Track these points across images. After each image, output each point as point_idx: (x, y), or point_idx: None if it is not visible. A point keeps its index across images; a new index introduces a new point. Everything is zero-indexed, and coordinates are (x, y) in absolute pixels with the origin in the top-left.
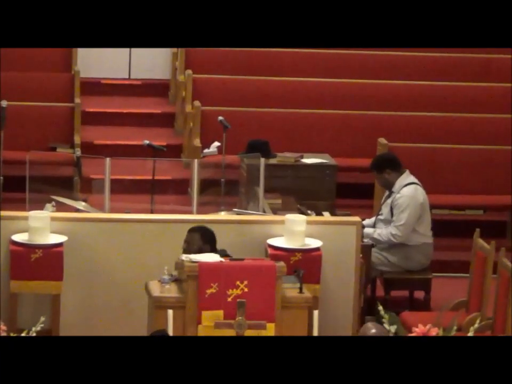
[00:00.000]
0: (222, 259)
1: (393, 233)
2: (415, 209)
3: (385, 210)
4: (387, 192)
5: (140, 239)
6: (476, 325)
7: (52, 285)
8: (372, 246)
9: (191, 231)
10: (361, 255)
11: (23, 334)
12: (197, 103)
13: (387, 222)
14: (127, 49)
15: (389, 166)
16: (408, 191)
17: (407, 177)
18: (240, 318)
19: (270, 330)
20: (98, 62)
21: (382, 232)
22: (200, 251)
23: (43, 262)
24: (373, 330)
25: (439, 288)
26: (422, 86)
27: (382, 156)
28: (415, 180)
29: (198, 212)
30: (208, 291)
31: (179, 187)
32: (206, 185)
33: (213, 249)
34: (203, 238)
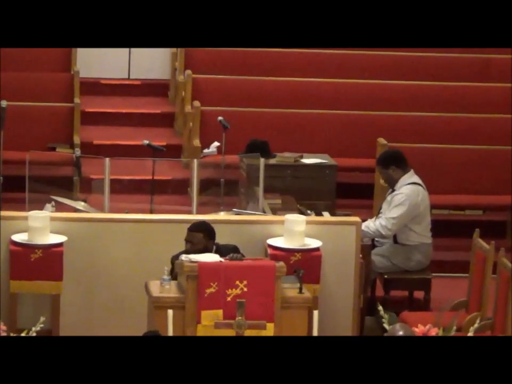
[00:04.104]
0: (222, 259)
1: (383, 224)
2: (409, 208)
3: (385, 207)
4: (389, 191)
5: (139, 239)
6: (476, 325)
7: (52, 285)
8: (372, 246)
9: (193, 230)
10: (361, 255)
11: (23, 334)
12: (196, 103)
13: None
14: (127, 49)
15: (395, 163)
16: (407, 190)
17: (411, 176)
18: (239, 318)
19: (270, 330)
20: (98, 62)
21: (369, 224)
22: (206, 249)
23: (43, 262)
24: (401, 332)
25: (439, 288)
26: (422, 86)
27: (389, 152)
28: (419, 181)
29: (198, 212)
30: (208, 290)
31: (179, 187)
32: (206, 185)
33: (214, 243)
34: (206, 237)
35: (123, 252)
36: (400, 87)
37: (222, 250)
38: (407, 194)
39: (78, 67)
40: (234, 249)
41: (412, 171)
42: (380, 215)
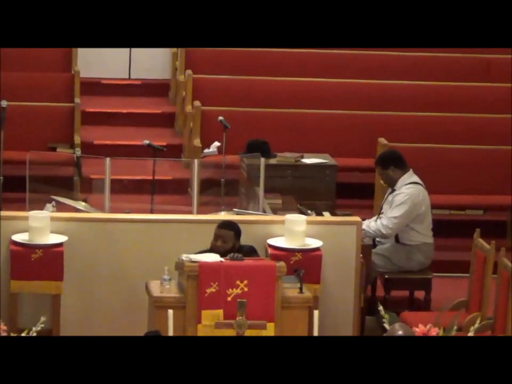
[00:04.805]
0: (222, 259)
1: (384, 223)
2: (411, 208)
3: (386, 207)
4: (389, 191)
5: (140, 239)
6: (476, 325)
7: (52, 285)
8: (373, 246)
9: (224, 227)
10: (361, 255)
11: (23, 334)
12: (197, 103)
13: None
14: (127, 49)
15: (394, 163)
16: (408, 190)
17: (411, 176)
18: (240, 317)
19: (270, 330)
20: (98, 62)
21: (370, 224)
22: (233, 248)
23: (43, 262)
24: (400, 332)
25: (439, 288)
26: (422, 86)
27: (388, 152)
28: (418, 180)
29: (198, 212)
30: (208, 290)
31: (179, 187)
32: (206, 185)
33: (239, 243)
34: (236, 236)
35: (123, 252)
36: (401, 87)
37: (241, 251)
38: (408, 193)
39: (79, 67)
40: (251, 250)
41: (411, 171)
42: (381, 215)
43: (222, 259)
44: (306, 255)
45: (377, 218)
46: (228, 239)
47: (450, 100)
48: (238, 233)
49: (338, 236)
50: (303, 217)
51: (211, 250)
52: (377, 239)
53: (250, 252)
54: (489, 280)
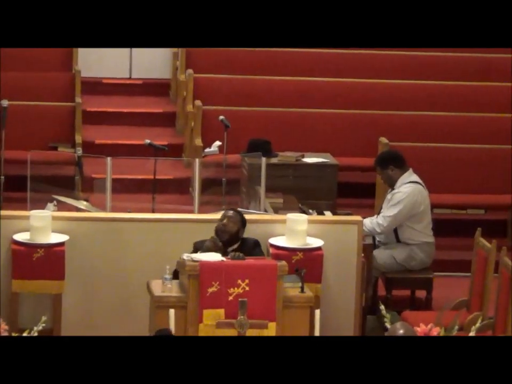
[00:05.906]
0: (223, 258)
1: (379, 222)
2: (406, 207)
3: (385, 205)
4: (389, 189)
5: (141, 239)
6: (477, 325)
7: (54, 284)
8: (374, 246)
9: (232, 210)
10: (362, 255)
11: (24, 334)
12: (198, 102)
13: None
14: (128, 49)
15: (393, 163)
16: (406, 189)
17: (410, 175)
18: (241, 317)
19: (271, 329)
20: (99, 62)
21: (366, 222)
22: (236, 235)
23: (44, 262)
24: (401, 331)
25: (441, 288)
26: (422, 85)
27: (387, 152)
28: (418, 179)
29: (200, 211)
30: (209, 290)
31: (180, 186)
32: (208, 185)
33: (243, 233)
34: (242, 222)
35: (125, 251)
36: (401, 87)
37: (246, 243)
38: (406, 192)
39: (79, 66)
40: (255, 243)
41: (410, 170)
42: (381, 213)
43: (223, 258)
44: (308, 255)
45: (376, 216)
46: (235, 221)
47: (451, 100)
48: (243, 221)
49: (339, 235)
50: (304, 216)
51: (215, 232)
52: (377, 238)
53: (254, 245)
54: (490, 279)
